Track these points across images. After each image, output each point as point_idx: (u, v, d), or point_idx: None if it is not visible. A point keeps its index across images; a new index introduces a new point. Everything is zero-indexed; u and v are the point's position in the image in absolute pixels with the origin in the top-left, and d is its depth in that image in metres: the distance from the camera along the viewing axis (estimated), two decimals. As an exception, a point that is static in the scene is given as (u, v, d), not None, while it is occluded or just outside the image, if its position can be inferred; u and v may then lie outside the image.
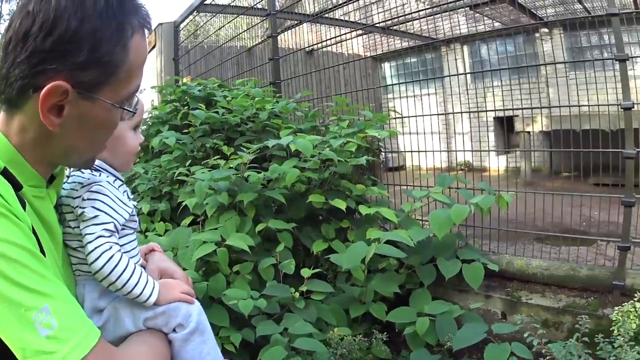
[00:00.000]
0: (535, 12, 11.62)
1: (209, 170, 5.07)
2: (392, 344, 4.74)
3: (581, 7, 10.91)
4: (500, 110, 7.45)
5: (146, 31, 1.58)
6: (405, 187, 6.34)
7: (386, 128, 6.61)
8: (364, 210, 5.04)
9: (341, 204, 4.97)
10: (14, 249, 1.39)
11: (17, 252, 1.40)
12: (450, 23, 12.19)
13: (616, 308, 3.49)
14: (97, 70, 1.46)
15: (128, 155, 2.12)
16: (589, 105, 5.77)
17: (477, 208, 4.95)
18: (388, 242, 4.73)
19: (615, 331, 3.36)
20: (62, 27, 1.39)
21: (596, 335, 3.52)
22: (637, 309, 3.39)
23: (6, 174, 1.52)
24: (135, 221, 2.07)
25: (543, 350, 3.54)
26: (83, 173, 1.94)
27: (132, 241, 2.06)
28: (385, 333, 4.55)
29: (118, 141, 2.01)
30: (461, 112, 7.47)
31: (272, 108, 6.24)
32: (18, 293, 1.36)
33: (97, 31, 1.42)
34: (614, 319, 3.44)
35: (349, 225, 5.32)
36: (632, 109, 4.84)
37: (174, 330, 1.99)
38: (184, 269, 4.12)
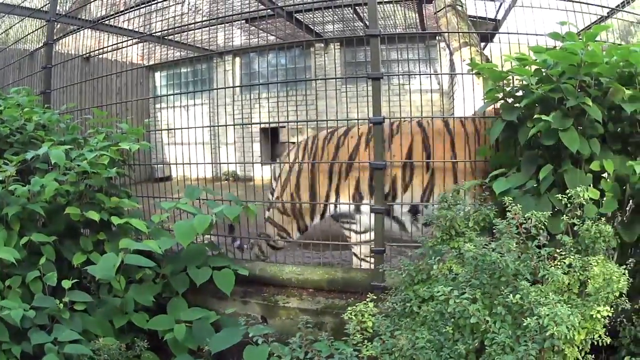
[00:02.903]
0: (313, 28, 11.91)
1: (-21, 184, 5.01)
2: (163, 352, 4.96)
3: (362, 24, 11.26)
4: (267, 123, 7.65)
5: None
6: (159, 199, 6.47)
7: (152, 139, 6.65)
8: (115, 220, 5.19)
9: (95, 216, 5.10)
10: None
11: None
12: (224, 35, 12.33)
13: (349, 308, 3.68)
14: None
15: None
16: (338, 119, 6.16)
17: (225, 218, 5.30)
18: (142, 252, 4.94)
19: (351, 329, 3.54)
20: None
21: (320, 333, 3.82)
22: (370, 309, 3.62)
23: None
24: None
25: (315, 356, 3.72)
26: None
27: None
28: (146, 341, 4.75)
29: None
30: (226, 125, 7.59)
31: (39, 119, 6.16)
32: None
33: None
34: (346, 318, 3.65)
35: (105, 238, 5.43)
36: (383, 124, 5.23)
37: None
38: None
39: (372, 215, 5.35)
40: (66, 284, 4.69)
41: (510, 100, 4.69)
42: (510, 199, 3.72)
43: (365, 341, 3.52)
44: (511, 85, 4.75)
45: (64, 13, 8.72)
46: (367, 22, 5.70)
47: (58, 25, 8.76)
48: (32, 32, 9.03)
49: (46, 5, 8.44)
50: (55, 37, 8.27)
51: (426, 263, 3.92)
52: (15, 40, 9.57)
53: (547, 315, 2.85)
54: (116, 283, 4.98)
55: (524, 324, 2.96)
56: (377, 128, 5.24)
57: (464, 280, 3.46)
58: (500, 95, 4.73)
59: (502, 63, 4.89)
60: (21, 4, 9.46)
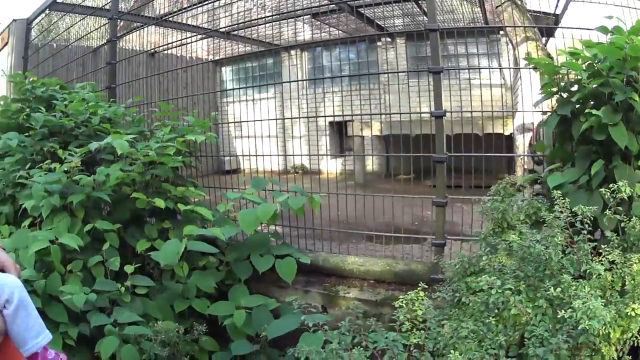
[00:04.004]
0: (378, 22, 11.89)
1: (45, 174, 5.22)
2: (220, 337, 5.10)
3: (426, 18, 11.13)
4: (334, 116, 7.65)
5: None
6: (226, 189, 6.54)
7: (219, 132, 6.77)
8: (182, 206, 5.39)
9: (160, 203, 5.25)
10: None
11: None
12: (288, 30, 12.37)
13: (401, 296, 3.74)
14: None
15: None
16: (404, 113, 6.20)
17: (287, 207, 5.35)
18: (206, 240, 5.10)
19: (401, 317, 3.59)
20: None
21: (368, 318, 3.89)
22: (420, 298, 3.68)
23: None
24: None
25: (363, 341, 3.78)
26: None
27: None
28: (206, 326, 4.90)
29: None
30: (291, 118, 7.66)
31: (104, 113, 6.34)
32: None
33: None
34: (397, 306, 3.70)
35: (170, 226, 5.59)
36: (445, 117, 5.27)
37: (4, 307, 2.42)
38: (24, 269, 4.36)
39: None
40: (129, 269, 4.87)
41: (565, 95, 4.67)
42: (559, 193, 3.72)
43: (414, 329, 3.58)
44: (566, 79, 4.72)
45: (126, 11, 8.92)
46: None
47: (121, 23, 8.97)
48: (95, 29, 9.29)
49: (108, 3, 8.67)
50: (118, 34, 8.48)
51: (479, 255, 3.92)
52: (78, 38, 9.81)
53: (580, 308, 2.83)
54: (179, 269, 5.14)
55: (559, 316, 2.97)
56: (438, 122, 5.27)
57: (510, 271, 3.49)
58: (556, 89, 4.71)
59: (557, 57, 4.88)
60: (82, 2, 9.68)
